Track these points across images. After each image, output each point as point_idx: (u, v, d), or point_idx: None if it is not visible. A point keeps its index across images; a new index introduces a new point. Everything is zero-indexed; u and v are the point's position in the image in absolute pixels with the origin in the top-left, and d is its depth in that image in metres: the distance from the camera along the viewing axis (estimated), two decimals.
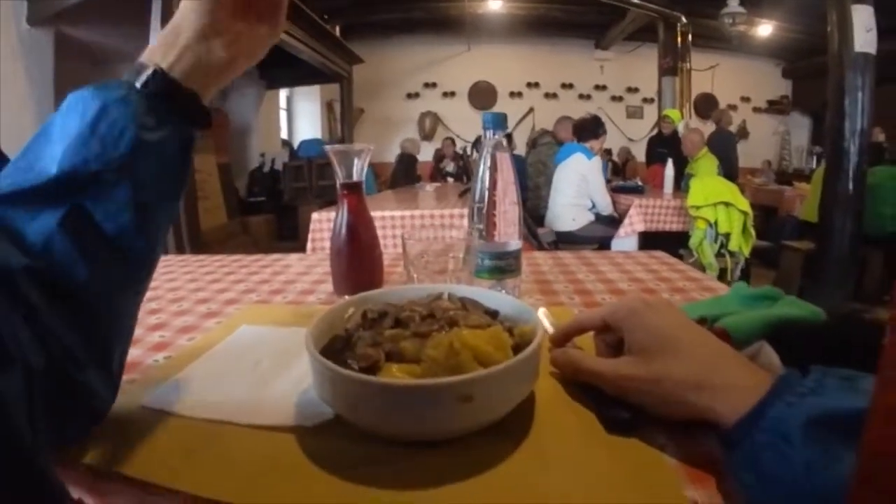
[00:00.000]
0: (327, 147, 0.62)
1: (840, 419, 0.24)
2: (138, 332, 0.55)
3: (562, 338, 0.42)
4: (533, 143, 4.05)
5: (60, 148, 0.30)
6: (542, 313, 0.50)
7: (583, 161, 2.99)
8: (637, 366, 0.34)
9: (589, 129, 3.17)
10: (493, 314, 0.40)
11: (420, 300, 0.42)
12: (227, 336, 0.52)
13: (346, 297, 0.51)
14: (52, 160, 0.30)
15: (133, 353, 0.49)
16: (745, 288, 0.50)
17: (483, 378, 0.30)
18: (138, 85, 0.33)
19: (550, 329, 0.45)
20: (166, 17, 2.48)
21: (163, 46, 0.35)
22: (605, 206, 3.06)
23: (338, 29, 5.72)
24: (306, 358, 0.34)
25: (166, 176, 0.34)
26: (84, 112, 0.31)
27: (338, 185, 0.64)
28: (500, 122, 0.58)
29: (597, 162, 3.08)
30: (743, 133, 7.12)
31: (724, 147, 4.06)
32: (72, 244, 0.29)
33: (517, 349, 0.34)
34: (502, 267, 0.58)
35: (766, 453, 0.25)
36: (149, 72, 0.33)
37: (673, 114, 4.48)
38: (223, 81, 0.38)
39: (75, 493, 0.34)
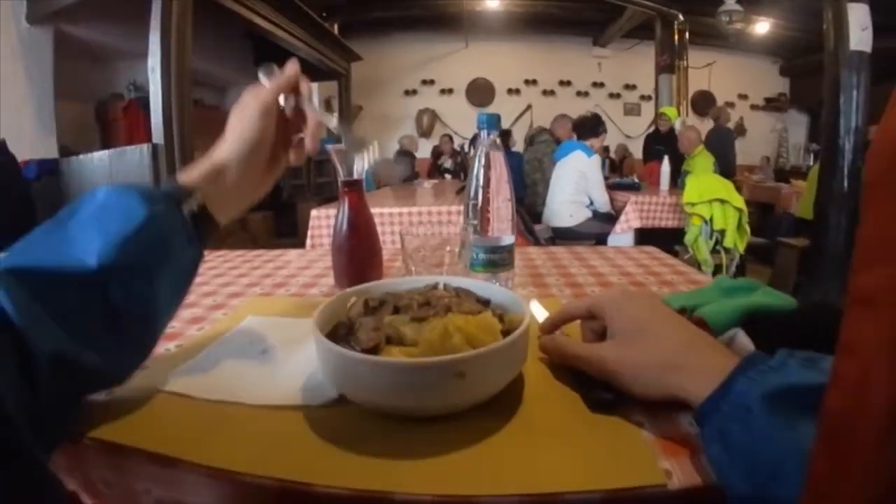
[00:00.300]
0: (329, 146, 0.64)
1: (800, 393, 0.26)
2: None
3: (550, 326, 0.45)
4: (530, 141, 4.06)
5: (99, 242, 0.34)
6: (533, 304, 0.53)
7: (582, 158, 3.02)
8: (618, 350, 0.36)
9: (589, 127, 3.19)
10: (485, 303, 0.43)
11: (417, 290, 0.44)
12: (234, 326, 0.55)
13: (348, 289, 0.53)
14: (91, 252, 0.34)
15: None
16: (726, 280, 0.52)
17: (473, 357, 0.32)
18: (185, 211, 0.40)
19: (540, 318, 0.48)
20: (166, 15, 2.48)
21: (208, 176, 0.43)
22: (603, 204, 3.09)
23: (336, 26, 5.73)
24: (310, 345, 0.36)
25: (179, 280, 0.41)
26: (129, 216, 0.36)
27: (339, 183, 0.66)
28: (494, 122, 0.60)
29: (596, 160, 3.10)
30: (741, 130, 7.14)
31: (722, 144, 4.08)
32: (91, 322, 0.34)
33: (507, 335, 0.36)
34: (496, 261, 0.60)
35: (731, 426, 0.28)
36: (195, 204, 0.41)
37: (669, 111, 4.51)
38: (238, 214, 0.48)
39: (95, 472, 0.36)
